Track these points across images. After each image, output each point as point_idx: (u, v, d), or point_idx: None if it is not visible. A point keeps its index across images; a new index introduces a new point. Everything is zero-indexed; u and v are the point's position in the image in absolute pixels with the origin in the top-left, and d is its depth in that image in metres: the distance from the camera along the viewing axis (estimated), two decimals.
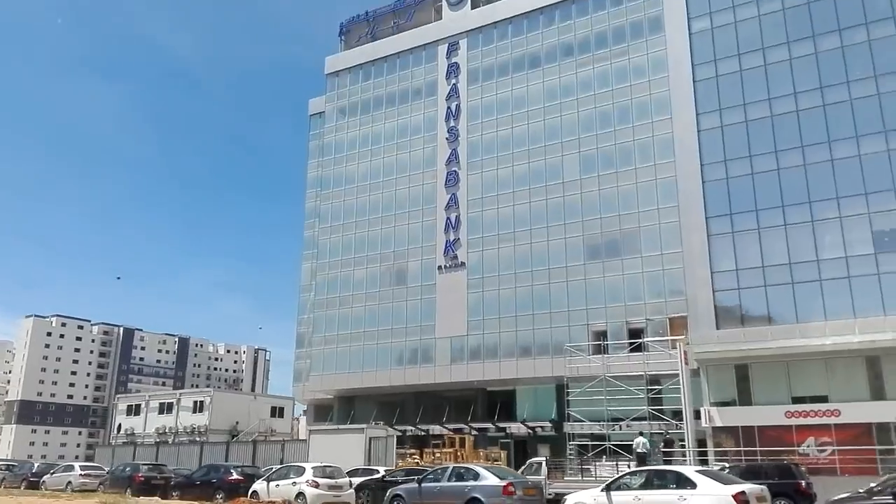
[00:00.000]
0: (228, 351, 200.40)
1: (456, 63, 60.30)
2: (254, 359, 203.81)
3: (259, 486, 24.15)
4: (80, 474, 32.80)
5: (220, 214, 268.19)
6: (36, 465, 38.57)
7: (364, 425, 44.07)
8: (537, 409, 51.39)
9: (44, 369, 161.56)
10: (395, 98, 63.01)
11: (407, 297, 57.34)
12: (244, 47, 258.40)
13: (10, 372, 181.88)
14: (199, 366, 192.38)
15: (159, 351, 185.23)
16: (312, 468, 23.66)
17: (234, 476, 26.06)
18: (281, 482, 23.40)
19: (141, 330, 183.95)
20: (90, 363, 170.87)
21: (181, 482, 28.27)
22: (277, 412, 55.91)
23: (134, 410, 53.60)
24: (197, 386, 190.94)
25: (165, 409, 52.34)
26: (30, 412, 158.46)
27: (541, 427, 50.82)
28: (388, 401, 57.11)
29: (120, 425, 55.17)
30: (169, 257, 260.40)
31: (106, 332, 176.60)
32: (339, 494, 22.83)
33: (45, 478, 34.18)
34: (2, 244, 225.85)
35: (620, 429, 46.16)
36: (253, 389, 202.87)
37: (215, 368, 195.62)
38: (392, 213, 60.10)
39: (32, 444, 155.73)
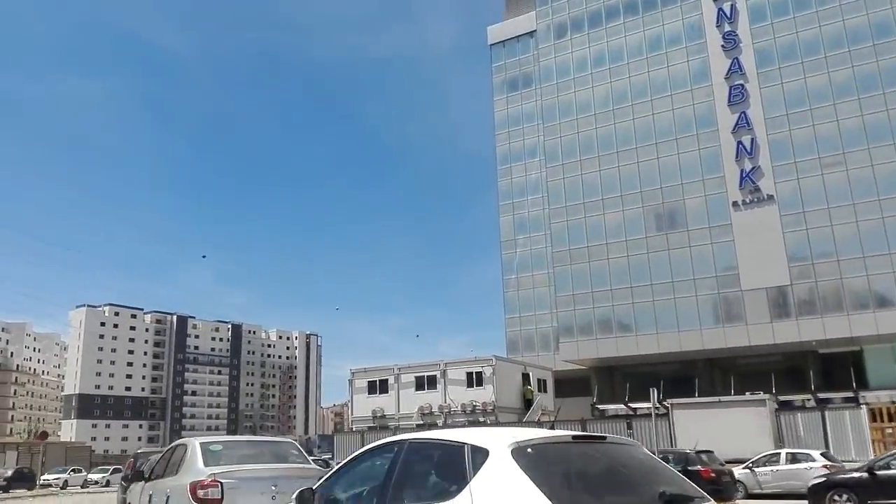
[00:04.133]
0: (280, 337, 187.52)
1: None
2: (306, 344, 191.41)
3: None
4: None
5: (207, 203, 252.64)
6: None
7: (763, 395, 32.01)
8: None
9: (100, 361, 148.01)
10: (638, 5, 50.29)
11: (689, 242, 44.84)
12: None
13: (59, 366, 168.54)
14: (253, 353, 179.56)
15: (213, 339, 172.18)
16: None
17: None
18: None
19: (193, 317, 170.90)
20: (145, 353, 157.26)
21: (848, 480, 15.91)
22: (542, 385, 43.74)
23: (379, 387, 40.95)
24: (252, 374, 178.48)
25: (426, 383, 39.83)
26: (89, 406, 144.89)
27: None
28: (669, 370, 44.87)
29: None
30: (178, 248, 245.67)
31: (159, 321, 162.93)
32: None
33: None
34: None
35: None
36: (307, 377, 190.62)
37: (269, 355, 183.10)
38: (651, 142, 47.38)
39: (94, 438, 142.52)
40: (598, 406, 42.92)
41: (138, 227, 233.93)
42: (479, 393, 37.88)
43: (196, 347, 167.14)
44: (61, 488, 42.50)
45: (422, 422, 38.54)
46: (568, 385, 47.78)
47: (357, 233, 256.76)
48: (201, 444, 8.30)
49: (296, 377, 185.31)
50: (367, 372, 41.22)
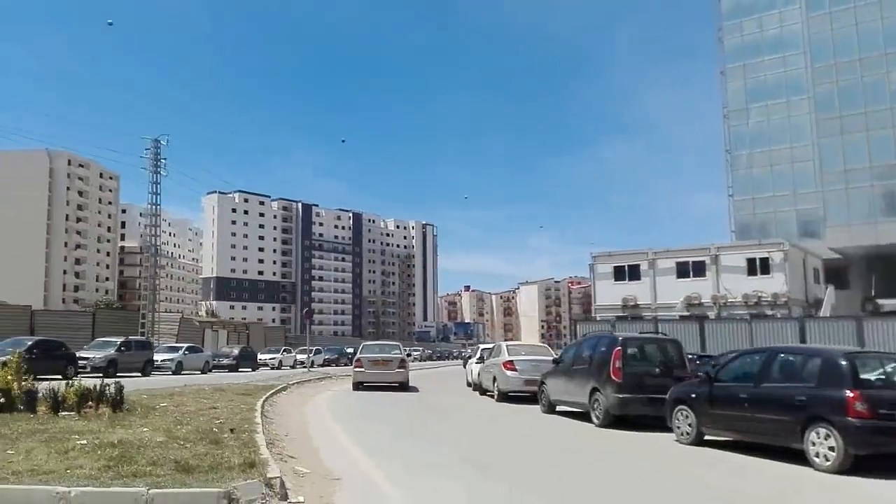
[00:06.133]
0: (398, 226, 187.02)
1: None
2: (423, 234, 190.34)
3: None
4: None
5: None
6: None
7: None
8: None
9: (233, 246, 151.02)
10: None
11: None
12: None
13: (193, 250, 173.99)
14: (373, 241, 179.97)
15: (335, 227, 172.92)
16: None
17: None
18: None
19: (317, 205, 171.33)
20: (275, 239, 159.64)
21: None
22: (816, 276, 37.31)
23: (629, 273, 35.70)
24: (373, 262, 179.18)
25: (691, 270, 34.27)
26: (226, 288, 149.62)
27: None
28: None
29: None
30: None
31: (286, 208, 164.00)
32: None
33: None
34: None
35: None
36: (424, 266, 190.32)
37: (387, 244, 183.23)
38: None
39: (232, 319, 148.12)
40: (878, 300, 36.17)
41: (246, 118, 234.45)
42: (766, 282, 31.83)
43: (321, 235, 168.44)
44: (276, 367, 40.50)
45: (687, 313, 33.13)
46: (830, 276, 40.84)
47: (445, 124, 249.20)
48: None
49: (413, 266, 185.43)
50: (612, 256, 35.77)
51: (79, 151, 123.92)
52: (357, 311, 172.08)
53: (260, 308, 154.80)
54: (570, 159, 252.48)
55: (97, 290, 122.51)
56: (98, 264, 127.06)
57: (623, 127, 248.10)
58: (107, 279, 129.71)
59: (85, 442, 7.26)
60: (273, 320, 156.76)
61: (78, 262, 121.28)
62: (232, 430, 8.39)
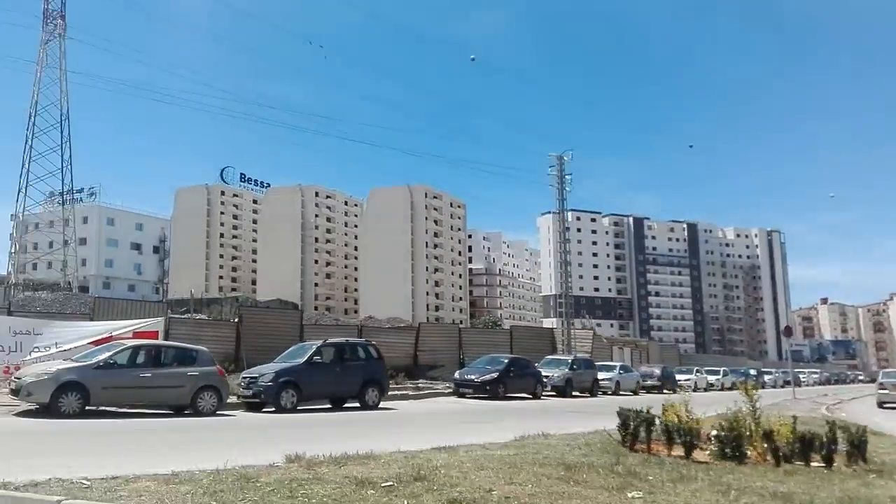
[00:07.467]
0: (738, 235, 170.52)
1: None
2: (768, 242, 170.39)
3: None
4: None
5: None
6: None
7: None
8: None
9: (568, 263, 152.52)
10: None
11: None
12: None
13: (529, 269, 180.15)
14: (711, 252, 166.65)
15: (669, 239, 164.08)
16: None
17: None
18: None
19: (648, 218, 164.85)
20: (608, 255, 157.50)
21: None
22: None
23: None
24: (713, 275, 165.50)
25: None
26: (564, 305, 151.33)
27: None
28: None
29: None
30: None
31: (616, 223, 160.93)
32: None
33: None
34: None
35: None
36: (772, 277, 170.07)
37: (728, 255, 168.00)
38: None
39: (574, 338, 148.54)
40: None
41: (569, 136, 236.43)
42: None
43: (654, 248, 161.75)
44: (693, 389, 36.34)
45: None
46: None
47: (774, 115, 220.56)
48: None
49: (759, 278, 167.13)
50: None
51: (433, 182, 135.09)
52: (699, 328, 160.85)
53: (598, 325, 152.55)
54: None
55: (452, 310, 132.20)
56: (452, 285, 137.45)
57: None
58: (460, 299, 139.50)
59: None
60: (612, 337, 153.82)
61: (437, 284, 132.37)
62: None
